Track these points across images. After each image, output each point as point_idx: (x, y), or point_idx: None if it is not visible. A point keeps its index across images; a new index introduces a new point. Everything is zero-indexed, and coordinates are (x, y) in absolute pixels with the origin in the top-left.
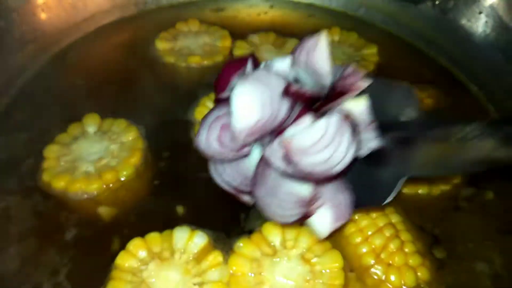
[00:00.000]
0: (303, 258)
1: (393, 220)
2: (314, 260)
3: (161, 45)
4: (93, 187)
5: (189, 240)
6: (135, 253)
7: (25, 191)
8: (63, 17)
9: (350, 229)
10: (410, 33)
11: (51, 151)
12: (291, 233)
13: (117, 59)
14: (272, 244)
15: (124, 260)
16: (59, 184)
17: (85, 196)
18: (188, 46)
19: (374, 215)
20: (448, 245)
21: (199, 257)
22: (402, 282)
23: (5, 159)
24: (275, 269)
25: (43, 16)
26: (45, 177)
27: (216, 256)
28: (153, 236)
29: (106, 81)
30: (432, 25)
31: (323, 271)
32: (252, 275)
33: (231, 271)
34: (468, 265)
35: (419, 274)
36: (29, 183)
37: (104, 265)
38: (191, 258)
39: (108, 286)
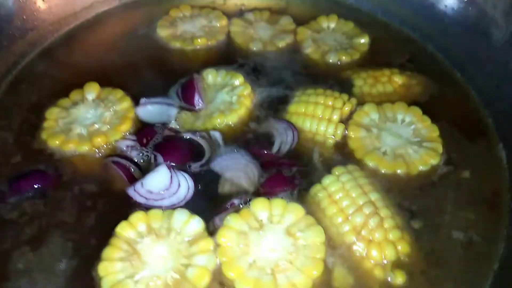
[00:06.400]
0: (288, 232)
1: (372, 198)
2: (298, 234)
3: (163, 32)
4: (84, 148)
5: (186, 223)
6: (135, 226)
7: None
8: (62, 6)
9: (332, 209)
10: (401, 22)
11: (52, 113)
12: (277, 209)
13: (119, 44)
14: (259, 218)
15: (124, 230)
16: (54, 142)
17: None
18: (189, 30)
19: (353, 194)
20: (425, 217)
21: (192, 241)
22: (383, 256)
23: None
24: (261, 242)
25: (42, 5)
26: (43, 135)
27: (207, 243)
28: (155, 212)
29: (108, 64)
30: (420, 13)
31: (306, 244)
32: (240, 246)
33: (219, 243)
34: (445, 233)
35: (399, 247)
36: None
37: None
38: (185, 240)
39: (104, 251)
